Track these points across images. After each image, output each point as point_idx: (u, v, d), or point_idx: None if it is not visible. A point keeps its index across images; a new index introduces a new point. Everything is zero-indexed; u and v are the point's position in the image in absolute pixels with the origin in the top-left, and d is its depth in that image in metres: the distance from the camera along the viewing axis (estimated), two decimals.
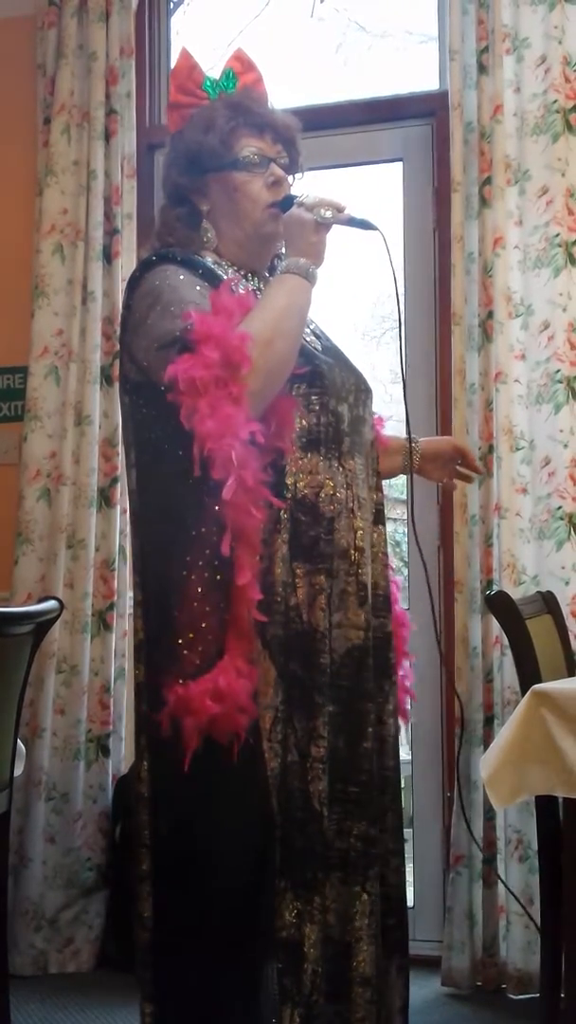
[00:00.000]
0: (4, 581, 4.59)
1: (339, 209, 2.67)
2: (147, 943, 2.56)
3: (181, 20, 5.05)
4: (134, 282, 2.66)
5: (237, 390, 2.43)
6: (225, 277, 2.66)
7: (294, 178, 2.82)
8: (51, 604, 3.40)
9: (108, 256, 4.63)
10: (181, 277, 2.60)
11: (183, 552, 2.50)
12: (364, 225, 2.71)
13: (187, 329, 2.46)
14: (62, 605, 3.51)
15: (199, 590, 2.48)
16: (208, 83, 2.82)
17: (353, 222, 2.70)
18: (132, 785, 2.67)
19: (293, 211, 2.67)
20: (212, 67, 2.86)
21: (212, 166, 2.73)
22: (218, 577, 2.47)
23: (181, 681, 2.46)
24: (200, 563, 2.48)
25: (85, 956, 4.43)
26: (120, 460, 4.44)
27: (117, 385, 4.34)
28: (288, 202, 2.71)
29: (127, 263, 4.60)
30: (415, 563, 4.65)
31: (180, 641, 2.49)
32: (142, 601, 2.64)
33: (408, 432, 3.01)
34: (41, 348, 4.61)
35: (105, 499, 4.57)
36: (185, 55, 2.85)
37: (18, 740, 3.37)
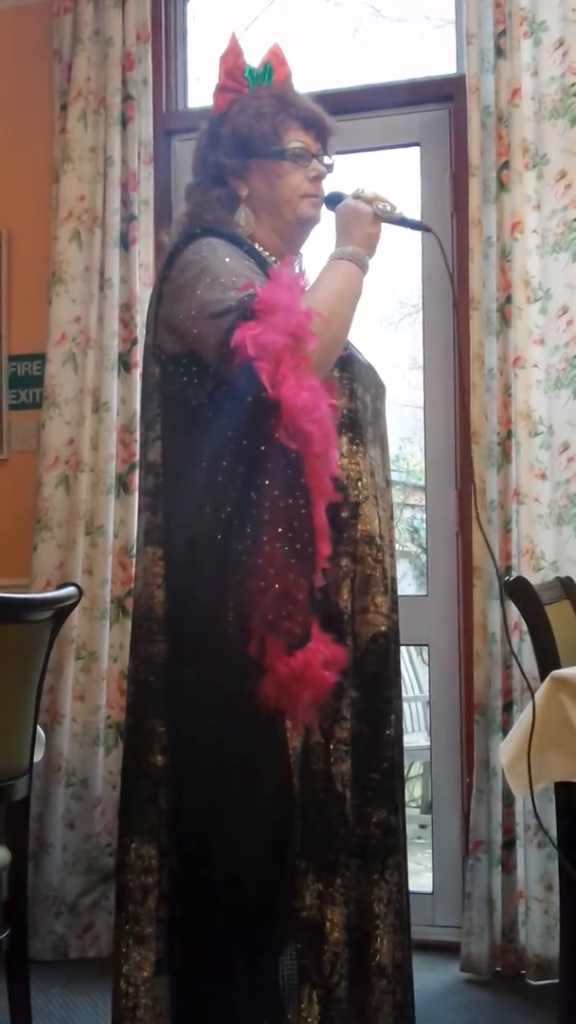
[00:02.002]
0: (23, 568, 4.60)
1: (394, 206, 2.74)
2: (166, 917, 2.57)
3: (197, 5, 5.03)
4: (175, 254, 2.65)
5: (305, 363, 2.43)
6: (264, 258, 2.68)
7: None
8: (70, 591, 3.41)
9: (125, 242, 4.63)
10: (229, 250, 2.62)
11: (261, 523, 2.41)
12: (417, 226, 2.79)
13: (250, 297, 2.45)
14: (81, 592, 3.51)
15: (291, 561, 2.40)
16: (249, 71, 2.85)
17: (405, 222, 2.77)
18: (143, 757, 2.62)
19: (350, 202, 2.73)
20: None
21: (260, 152, 2.76)
22: (308, 548, 2.42)
23: (289, 652, 2.42)
24: (289, 534, 2.40)
25: (105, 941, 4.44)
26: (138, 446, 4.44)
27: (135, 370, 4.38)
28: (334, 198, 2.77)
29: (144, 249, 4.60)
30: (434, 549, 4.64)
31: (282, 612, 2.40)
32: (165, 575, 2.61)
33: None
34: (59, 335, 4.61)
35: (123, 485, 4.57)
36: (234, 40, 2.87)
37: (38, 726, 3.38)
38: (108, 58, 4.66)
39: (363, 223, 2.70)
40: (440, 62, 4.78)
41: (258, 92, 2.81)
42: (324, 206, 2.81)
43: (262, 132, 2.76)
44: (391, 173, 5.00)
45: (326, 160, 2.83)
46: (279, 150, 2.76)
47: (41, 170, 4.85)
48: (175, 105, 4.94)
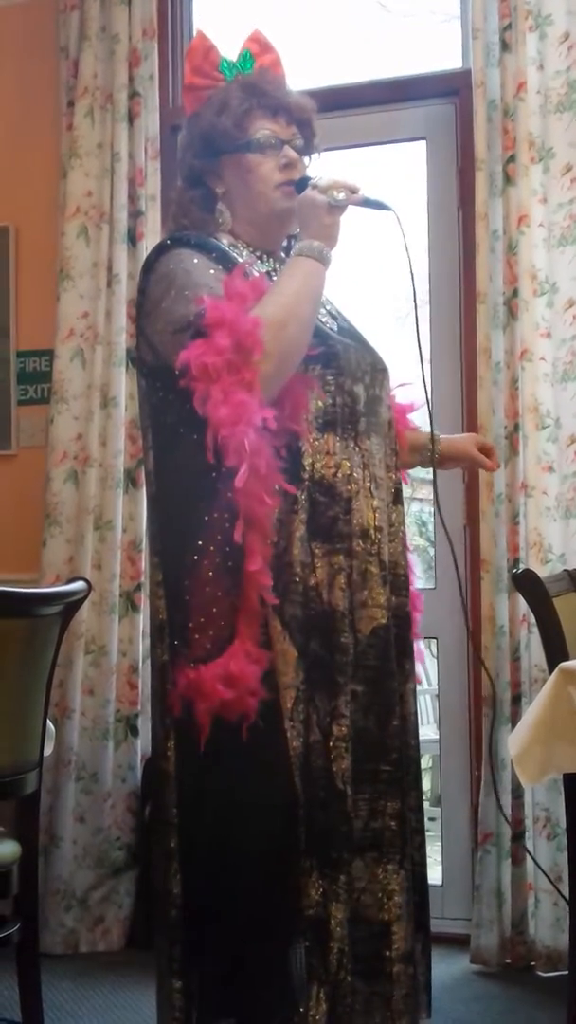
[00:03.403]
0: (33, 563, 4.61)
1: (353, 190, 2.67)
2: (175, 920, 2.58)
3: (203, 1, 5.04)
4: (149, 266, 2.67)
5: (250, 375, 2.44)
6: (239, 259, 2.67)
7: (309, 159, 2.83)
8: (79, 585, 3.42)
9: (133, 238, 4.64)
10: (195, 261, 2.60)
11: (195, 537, 2.52)
12: (378, 206, 2.70)
13: (199, 314, 2.47)
14: (90, 586, 3.52)
15: (210, 574, 2.50)
16: (225, 64, 2.82)
17: (368, 203, 2.70)
18: (156, 763, 2.68)
19: (307, 193, 2.67)
20: (231, 49, 2.86)
21: (226, 148, 2.74)
22: (229, 563, 2.49)
23: (192, 664, 2.50)
24: (211, 548, 2.50)
25: (115, 935, 4.46)
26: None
27: None
28: (304, 183, 2.71)
29: (152, 245, 4.55)
30: (441, 542, 4.65)
31: (191, 624, 2.51)
32: (161, 582, 2.65)
33: (432, 429, 3.01)
34: (67, 331, 4.62)
35: (131, 481, 4.58)
36: (201, 36, 2.85)
37: (48, 720, 3.39)
38: (114, 54, 4.67)
39: (318, 214, 2.64)
40: (446, 57, 4.78)
41: (228, 86, 2.78)
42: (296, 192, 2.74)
43: (224, 128, 2.73)
44: (397, 168, 5.00)
45: (300, 143, 2.78)
46: (244, 142, 2.73)
47: (48, 166, 4.86)
48: (181, 101, 4.94)
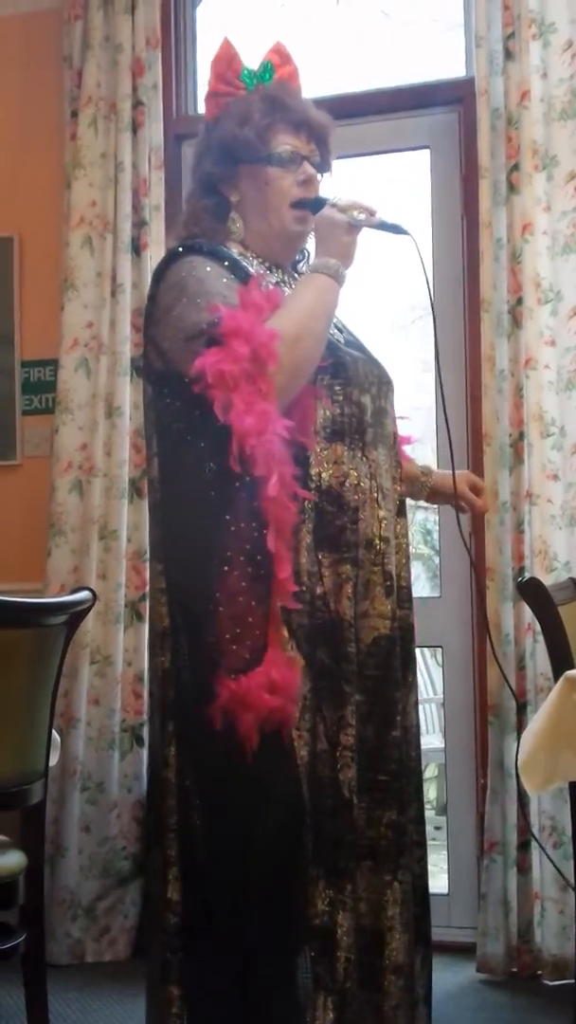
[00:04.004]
0: (37, 572, 4.61)
1: (371, 212, 2.69)
2: (175, 927, 2.57)
3: (207, 11, 5.04)
4: (159, 273, 2.67)
5: (266, 386, 2.45)
6: (251, 269, 2.67)
7: (323, 177, 2.83)
8: (84, 595, 3.41)
9: (137, 248, 4.64)
10: (208, 269, 2.61)
11: (221, 546, 2.50)
12: (395, 229, 2.72)
13: (214, 323, 2.47)
14: (95, 596, 3.52)
15: (243, 584, 2.49)
16: (246, 74, 2.83)
17: (384, 226, 2.72)
18: (156, 771, 2.66)
19: (326, 212, 2.69)
20: (243, 58, 2.86)
21: (246, 158, 2.74)
22: (261, 571, 2.48)
23: (233, 676, 2.47)
24: (241, 558, 2.49)
25: (121, 945, 4.46)
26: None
27: None
28: (318, 203, 2.73)
29: (156, 254, 4.61)
30: (447, 551, 4.65)
31: (227, 636, 2.49)
32: (166, 589, 2.64)
33: (453, 462, 3.01)
34: (71, 340, 4.62)
35: (136, 490, 4.58)
36: (227, 44, 2.85)
37: (53, 730, 3.39)
38: (118, 64, 4.67)
39: (337, 233, 2.67)
40: (449, 65, 4.78)
41: (249, 96, 2.79)
42: (310, 212, 2.76)
43: (246, 138, 2.73)
44: (401, 176, 5.00)
45: (317, 160, 2.79)
46: (265, 155, 2.73)
47: (52, 176, 4.87)
48: (185, 110, 4.95)
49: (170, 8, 4.90)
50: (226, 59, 2.84)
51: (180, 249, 2.68)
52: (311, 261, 2.74)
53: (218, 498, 2.52)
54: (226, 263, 2.64)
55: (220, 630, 2.50)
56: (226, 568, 2.50)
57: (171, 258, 2.67)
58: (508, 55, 4.25)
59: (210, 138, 2.81)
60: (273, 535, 2.46)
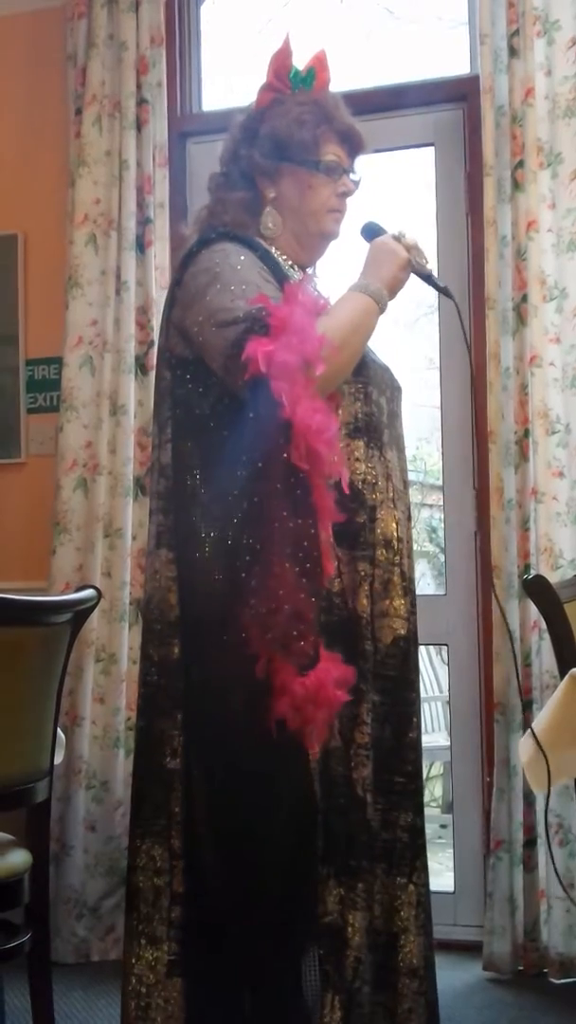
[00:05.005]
0: (42, 571, 4.61)
1: (427, 261, 2.77)
2: (181, 920, 2.56)
3: (211, 8, 5.04)
4: (190, 257, 2.65)
5: (312, 386, 2.43)
6: (281, 264, 2.68)
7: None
8: (89, 593, 3.41)
9: (141, 245, 4.64)
10: (242, 258, 2.60)
11: (272, 542, 2.41)
12: (442, 290, 2.80)
13: (261, 312, 2.45)
14: (100, 594, 3.52)
15: (302, 581, 2.41)
16: (294, 74, 2.85)
17: (432, 280, 2.80)
18: (158, 760, 2.62)
19: (390, 242, 2.73)
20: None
21: (296, 159, 2.76)
22: (317, 568, 2.43)
23: (303, 673, 2.42)
24: (299, 555, 2.40)
25: (123, 944, 4.44)
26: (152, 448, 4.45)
27: (152, 372, 4.38)
28: (370, 229, 2.80)
29: (160, 252, 4.62)
30: (452, 549, 4.64)
31: (295, 632, 2.39)
32: (176, 578, 2.61)
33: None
34: (76, 338, 4.62)
35: (141, 488, 4.57)
36: (287, 41, 2.86)
37: (58, 729, 3.39)
38: (122, 62, 4.67)
39: (396, 266, 2.70)
40: (454, 62, 4.78)
41: (300, 98, 2.81)
42: (360, 234, 2.82)
43: (302, 139, 2.75)
44: (406, 174, 5.00)
45: (354, 177, 2.84)
46: (315, 160, 2.76)
47: (57, 174, 4.86)
48: (189, 108, 4.95)
49: (174, 6, 4.89)
50: (284, 55, 2.85)
51: (213, 235, 2.67)
52: (357, 280, 2.73)
53: (252, 491, 2.44)
54: (258, 253, 2.65)
55: (280, 629, 2.39)
56: (283, 564, 2.39)
57: (203, 243, 2.66)
58: (513, 52, 4.24)
59: (259, 127, 2.81)
60: (326, 532, 2.44)
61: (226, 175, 2.84)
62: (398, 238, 2.74)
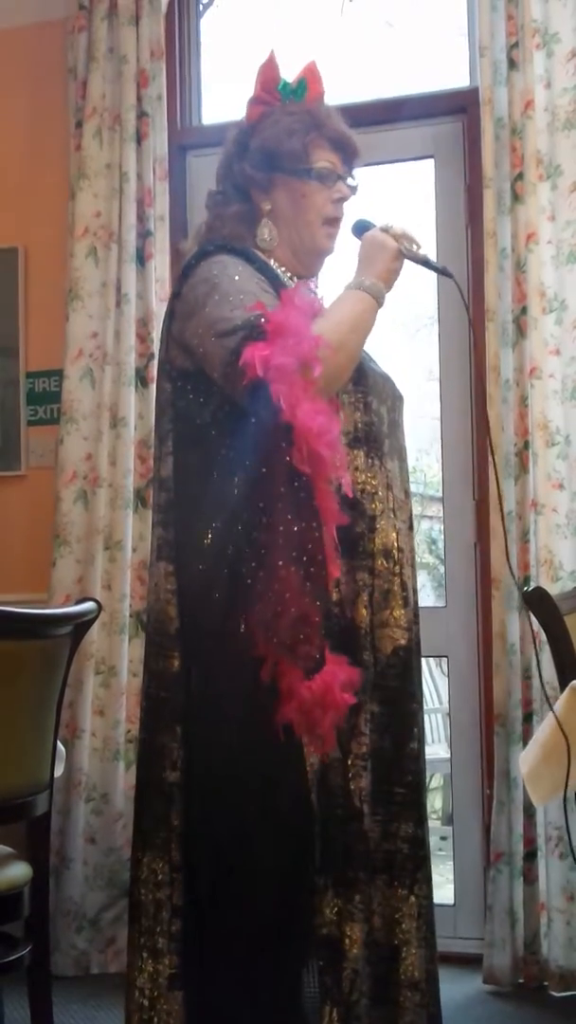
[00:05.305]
0: (42, 583, 4.61)
1: (419, 246, 2.75)
2: (180, 933, 2.56)
3: (211, 21, 5.05)
4: (188, 269, 2.66)
5: (311, 388, 2.42)
6: (278, 275, 2.68)
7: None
8: (89, 605, 3.41)
9: (141, 258, 4.64)
10: (240, 268, 2.61)
11: (276, 546, 2.41)
12: (440, 270, 2.79)
13: (258, 318, 2.45)
14: (100, 606, 3.52)
15: (306, 584, 2.41)
16: (283, 86, 2.85)
17: (429, 263, 2.79)
18: (158, 774, 2.62)
19: (378, 235, 2.73)
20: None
21: (287, 168, 2.77)
22: (322, 572, 2.43)
23: (309, 677, 2.42)
24: (304, 558, 2.40)
25: (127, 956, 4.43)
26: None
27: (152, 385, 4.39)
28: (361, 226, 2.78)
29: (160, 265, 4.62)
30: (452, 560, 4.64)
31: (301, 636, 2.40)
32: (176, 591, 2.61)
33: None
34: (76, 351, 4.62)
35: (141, 500, 4.58)
36: (272, 55, 2.87)
37: (58, 741, 3.39)
38: (122, 75, 4.67)
39: (387, 257, 2.70)
40: (453, 75, 4.79)
41: (290, 108, 2.81)
42: (351, 232, 2.82)
43: (291, 148, 2.76)
44: (405, 186, 5.00)
45: (350, 182, 2.84)
46: (306, 168, 2.76)
47: (57, 187, 4.87)
48: (189, 121, 4.96)
49: (174, 19, 4.90)
50: (271, 68, 2.86)
51: (210, 247, 2.68)
52: (352, 278, 2.73)
53: (256, 496, 2.45)
54: (256, 264, 2.66)
55: (286, 632, 2.39)
56: (289, 569, 2.40)
57: (201, 255, 2.67)
58: (512, 65, 4.25)
59: (249, 141, 2.82)
60: (330, 535, 2.43)
61: (222, 191, 2.85)
62: (386, 229, 2.74)
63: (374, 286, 2.67)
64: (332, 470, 2.41)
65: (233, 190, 2.82)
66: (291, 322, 2.44)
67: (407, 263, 2.77)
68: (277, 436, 2.39)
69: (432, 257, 2.81)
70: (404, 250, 2.72)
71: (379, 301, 2.67)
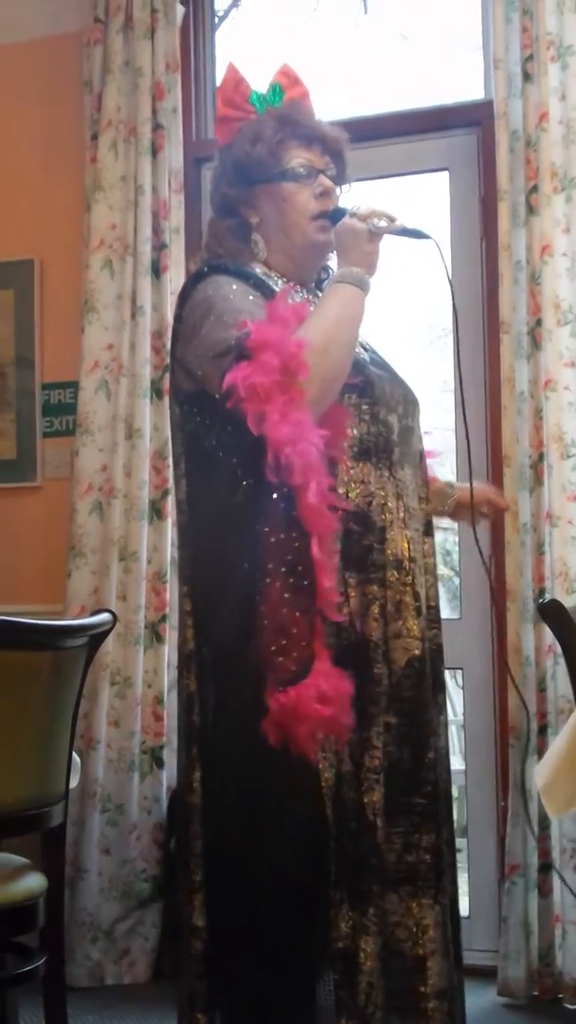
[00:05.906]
0: (57, 594, 4.61)
1: (391, 219, 2.69)
2: (200, 953, 2.56)
3: (226, 34, 5.07)
4: (186, 293, 2.68)
5: (298, 396, 2.44)
6: (276, 287, 2.68)
7: (341, 190, 2.84)
8: (104, 617, 3.41)
9: (157, 270, 4.66)
10: (234, 287, 2.62)
11: (261, 559, 2.47)
12: (417, 234, 2.73)
13: (244, 337, 2.47)
14: (115, 617, 3.52)
15: (285, 595, 2.45)
16: (255, 97, 2.84)
17: (406, 231, 2.72)
18: (182, 796, 2.66)
19: (346, 221, 2.69)
20: (257, 81, 2.88)
21: (260, 177, 2.75)
22: (304, 582, 2.45)
23: (281, 688, 2.43)
24: (282, 569, 2.45)
25: (141, 967, 4.44)
26: (171, 472, 4.46)
27: (167, 396, 4.39)
28: (338, 214, 2.73)
29: (175, 277, 4.62)
30: (467, 572, 4.64)
31: (273, 648, 2.44)
32: (191, 611, 2.64)
33: (470, 476, 3.01)
34: (91, 363, 4.64)
35: (156, 511, 4.58)
36: (231, 69, 2.87)
37: (73, 752, 3.39)
38: (138, 88, 4.69)
39: (359, 242, 2.66)
40: (468, 87, 4.80)
41: (261, 117, 2.80)
42: (330, 224, 2.77)
43: (259, 157, 2.74)
44: (420, 199, 5.01)
45: (333, 172, 2.80)
46: (279, 171, 2.75)
47: (73, 199, 4.89)
48: (205, 133, 4.97)
49: (189, 32, 4.92)
50: (232, 84, 2.85)
51: (205, 269, 2.69)
52: (334, 272, 2.73)
53: (254, 512, 2.50)
54: (251, 281, 2.66)
55: (264, 644, 2.45)
56: (268, 580, 2.46)
57: (196, 278, 2.68)
58: (527, 77, 4.26)
59: (224, 161, 2.83)
60: (316, 544, 2.43)
61: (214, 211, 2.87)
62: (353, 213, 2.69)
63: (353, 274, 2.64)
64: (301, 476, 2.41)
65: (224, 212, 2.83)
66: (272, 334, 2.46)
67: (388, 237, 2.71)
68: (256, 452, 2.43)
69: (408, 224, 2.73)
70: (373, 229, 2.67)
71: (363, 288, 2.65)
